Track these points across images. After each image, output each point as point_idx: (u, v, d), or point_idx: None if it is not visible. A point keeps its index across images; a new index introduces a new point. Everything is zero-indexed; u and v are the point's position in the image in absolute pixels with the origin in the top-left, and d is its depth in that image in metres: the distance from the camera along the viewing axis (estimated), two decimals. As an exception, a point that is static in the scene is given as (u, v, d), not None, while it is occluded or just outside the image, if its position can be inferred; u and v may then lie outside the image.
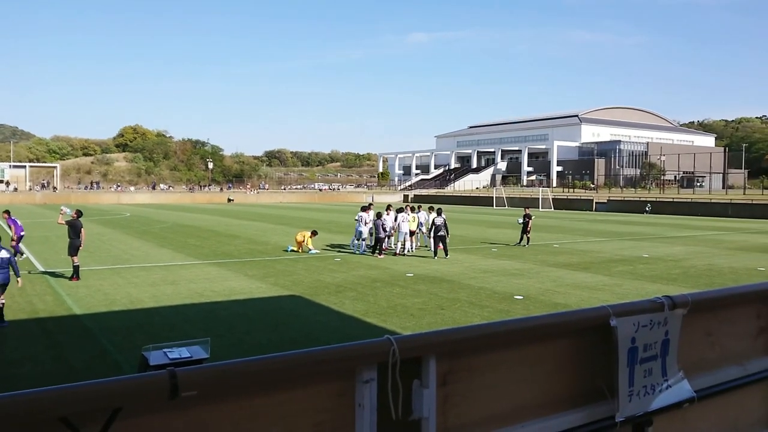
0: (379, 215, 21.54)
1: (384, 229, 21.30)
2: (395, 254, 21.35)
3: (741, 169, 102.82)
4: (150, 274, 16.80)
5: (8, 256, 11.18)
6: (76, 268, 15.47)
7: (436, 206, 23.44)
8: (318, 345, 2.28)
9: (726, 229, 36.19)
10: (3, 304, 10.90)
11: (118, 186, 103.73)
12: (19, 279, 11.53)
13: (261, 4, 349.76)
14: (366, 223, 22.07)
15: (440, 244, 20.69)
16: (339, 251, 22.59)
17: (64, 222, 15.90)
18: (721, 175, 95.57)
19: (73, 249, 15.43)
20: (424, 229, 22.76)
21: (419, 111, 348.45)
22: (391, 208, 22.34)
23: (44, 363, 8.89)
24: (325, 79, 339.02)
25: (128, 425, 1.62)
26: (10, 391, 1.51)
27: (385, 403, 1.97)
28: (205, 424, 1.75)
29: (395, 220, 21.68)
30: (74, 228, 15.56)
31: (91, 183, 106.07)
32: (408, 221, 21.88)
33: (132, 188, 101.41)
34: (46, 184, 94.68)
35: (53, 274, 16.45)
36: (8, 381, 8.10)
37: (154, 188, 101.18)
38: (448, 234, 20.92)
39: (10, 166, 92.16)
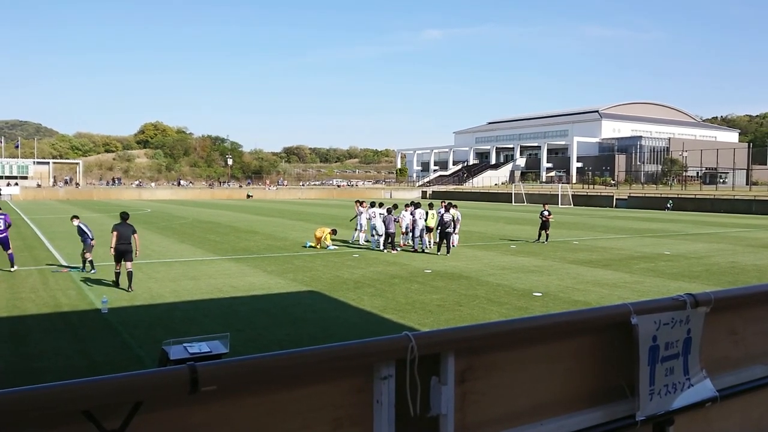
0: (389, 211, 21.59)
1: (397, 224, 21.54)
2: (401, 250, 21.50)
3: (765, 165, 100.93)
4: (170, 270, 16.98)
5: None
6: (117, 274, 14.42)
7: (444, 202, 23.43)
8: (336, 341, 2.28)
9: (750, 226, 35.61)
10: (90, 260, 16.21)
11: (139, 182, 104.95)
12: None
13: (276, 1, 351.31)
14: (376, 218, 22.11)
15: (445, 240, 20.57)
16: (357, 247, 22.62)
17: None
18: (744, 171, 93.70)
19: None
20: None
21: (437, 107, 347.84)
22: (410, 206, 22.43)
23: (67, 356, 9.04)
24: (342, 75, 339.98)
25: (149, 419, 1.64)
26: (34, 383, 1.53)
27: (403, 400, 1.97)
28: (225, 418, 1.76)
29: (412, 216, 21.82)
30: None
31: (113, 179, 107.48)
32: (407, 218, 21.99)
33: (153, 184, 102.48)
34: (68, 180, 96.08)
35: (76, 269, 16.71)
36: (32, 374, 8.24)
37: (179, 184, 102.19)
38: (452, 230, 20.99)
39: (33, 162, 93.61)
